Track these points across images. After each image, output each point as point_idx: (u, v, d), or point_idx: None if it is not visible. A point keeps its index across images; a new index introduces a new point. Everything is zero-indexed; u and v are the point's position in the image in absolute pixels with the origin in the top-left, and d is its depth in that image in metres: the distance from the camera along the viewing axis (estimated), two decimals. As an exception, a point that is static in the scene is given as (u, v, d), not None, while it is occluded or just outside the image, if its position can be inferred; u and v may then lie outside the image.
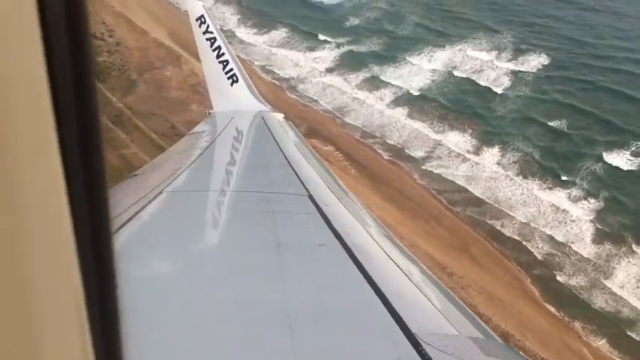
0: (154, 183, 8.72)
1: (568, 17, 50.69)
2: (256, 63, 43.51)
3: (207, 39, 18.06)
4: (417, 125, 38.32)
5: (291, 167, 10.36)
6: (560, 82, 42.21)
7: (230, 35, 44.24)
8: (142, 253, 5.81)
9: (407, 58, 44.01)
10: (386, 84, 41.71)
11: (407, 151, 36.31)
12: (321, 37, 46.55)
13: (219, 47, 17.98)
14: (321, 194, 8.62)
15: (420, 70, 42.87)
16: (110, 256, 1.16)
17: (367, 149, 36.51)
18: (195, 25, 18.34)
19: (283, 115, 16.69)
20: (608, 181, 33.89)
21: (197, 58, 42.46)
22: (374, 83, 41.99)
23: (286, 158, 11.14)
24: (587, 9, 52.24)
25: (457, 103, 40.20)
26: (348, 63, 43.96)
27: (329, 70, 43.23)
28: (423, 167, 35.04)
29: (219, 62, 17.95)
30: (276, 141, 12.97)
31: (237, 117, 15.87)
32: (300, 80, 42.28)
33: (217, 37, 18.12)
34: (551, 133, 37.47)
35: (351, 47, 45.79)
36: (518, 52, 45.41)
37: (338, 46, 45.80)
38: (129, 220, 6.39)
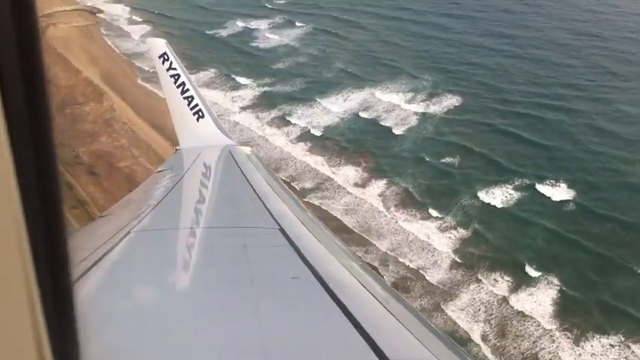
0: (121, 223, 8.65)
1: (491, 65, 52.98)
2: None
3: (170, 75, 18.04)
4: (314, 160, 40.34)
5: (261, 201, 10.35)
6: (462, 124, 44.08)
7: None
8: (112, 295, 5.77)
9: (320, 99, 46.44)
10: (294, 123, 44.03)
11: (295, 182, 38.18)
12: (245, 79, 49.51)
13: (183, 83, 17.95)
14: (292, 227, 8.60)
15: (329, 111, 45.17)
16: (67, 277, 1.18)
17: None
18: (158, 62, 18.31)
19: (250, 149, 16.70)
20: (478, 217, 35.21)
21: (120, 95, 46.61)
22: (283, 121, 44.36)
23: (255, 192, 11.12)
24: (513, 56, 54.56)
25: (357, 142, 42.20)
26: (264, 102, 46.54)
27: (244, 108, 45.79)
28: (305, 199, 36.77)
29: (184, 98, 17.87)
30: (244, 175, 12.92)
31: (204, 152, 15.75)
32: (214, 117, 44.85)
33: (181, 74, 18.07)
34: (437, 171, 39.10)
35: (271, 88, 48.50)
36: (432, 96, 47.62)
37: (259, 86, 48.59)
38: (97, 262, 6.34)
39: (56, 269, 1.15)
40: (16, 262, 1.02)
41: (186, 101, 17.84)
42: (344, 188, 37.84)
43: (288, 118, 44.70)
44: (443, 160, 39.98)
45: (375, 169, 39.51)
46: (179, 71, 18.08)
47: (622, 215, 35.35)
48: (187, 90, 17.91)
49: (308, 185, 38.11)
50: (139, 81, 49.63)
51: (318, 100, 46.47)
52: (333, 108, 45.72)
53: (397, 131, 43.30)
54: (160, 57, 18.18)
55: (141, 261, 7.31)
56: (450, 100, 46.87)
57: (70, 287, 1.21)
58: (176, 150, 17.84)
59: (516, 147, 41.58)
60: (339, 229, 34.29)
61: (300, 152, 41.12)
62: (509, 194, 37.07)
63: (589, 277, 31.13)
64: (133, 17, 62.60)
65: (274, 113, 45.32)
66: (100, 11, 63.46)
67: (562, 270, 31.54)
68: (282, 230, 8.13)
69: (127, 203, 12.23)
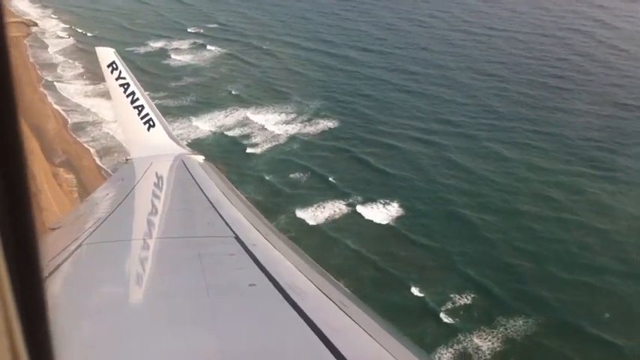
0: (72, 236, 8.51)
1: (383, 98, 54.68)
2: (55, 106, 49.10)
3: (120, 85, 17.77)
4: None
5: (215, 209, 10.22)
6: (323, 148, 45.72)
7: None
8: (63, 308, 5.47)
9: (193, 117, 48.59)
10: (162, 135, 46.15)
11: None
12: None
13: (133, 92, 17.70)
14: (247, 234, 8.57)
15: (196, 128, 47.32)
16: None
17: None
18: (106, 71, 18.02)
19: (204, 157, 16.46)
20: (289, 234, 36.55)
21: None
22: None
23: (209, 200, 10.99)
24: (409, 92, 56.23)
25: (215, 156, 44.04)
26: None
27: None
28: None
29: (134, 107, 17.60)
30: (197, 184, 12.79)
31: (155, 162, 15.49)
32: (90, 124, 47.40)
33: (130, 83, 17.82)
34: (272, 190, 40.62)
35: (158, 102, 50.86)
36: (308, 121, 49.49)
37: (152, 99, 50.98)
38: (48, 275, 6.18)
39: (28, 270, 1.12)
40: None
41: (136, 110, 17.66)
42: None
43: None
44: (284, 180, 41.51)
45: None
46: (128, 80, 17.93)
47: (432, 242, 36.37)
48: (137, 99, 17.77)
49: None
50: (40, 88, 52.60)
51: (191, 117, 48.57)
52: (204, 126, 47.75)
53: (256, 150, 45.07)
54: (108, 66, 17.93)
55: (93, 274, 7.13)
56: (323, 126, 48.63)
57: (42, 288, 1.19)
58: (127, 160, 17.54)
59: (362, 173, 42.95)
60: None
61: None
62: (328, 214, 38.34)
63: (366, 291, 32.13)
64: (61, 33, 66.07)
65: (148, 125, 47.54)
66: (35, 24, 67.10)
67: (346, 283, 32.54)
68: (237, 238, 8.11)
69: (77, 215, 11.92)
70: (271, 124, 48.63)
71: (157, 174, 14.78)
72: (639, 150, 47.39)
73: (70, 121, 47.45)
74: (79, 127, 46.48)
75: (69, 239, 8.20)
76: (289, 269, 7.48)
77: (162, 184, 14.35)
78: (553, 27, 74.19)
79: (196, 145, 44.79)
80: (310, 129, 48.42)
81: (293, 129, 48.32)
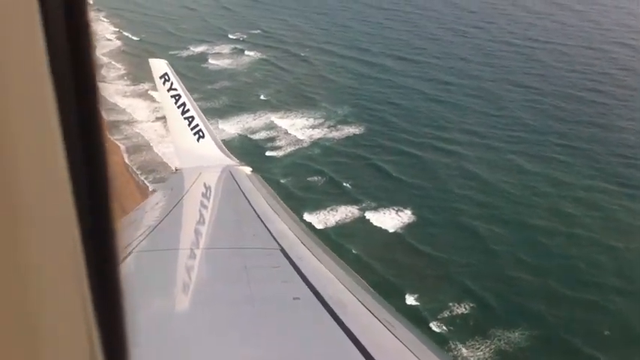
0: (123, 242, 8.40)
1: (410, 106, 54.90)
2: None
3: (171, 96, 18.07)
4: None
5: (262, 221, 10.29)
6: (343, 155, 46.47)
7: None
8: None
9: (221, 120, 50.35)
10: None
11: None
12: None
13: (184, 104, 17.99)
14: (293, 247, 8.65)
15: (222, 132, 48.94)
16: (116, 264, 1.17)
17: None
18: (159, 82, 18.40)
19: (251, 169, 16.69)
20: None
21: None
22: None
23: (256, 212, 11.07)
24: (438, 101, 56.24)
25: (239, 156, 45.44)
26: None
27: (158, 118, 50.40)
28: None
29: (185, 118, 17.87)
30: (245, 195, 12.91)
31: (204, 173, 15.70)
32: (124, 122, 50.01)
33: (182, 94, 18.12)
34: (282, 192, 41.46)
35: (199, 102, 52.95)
36: (332, 128, 50.36)
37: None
38: None
39: (105, 264, 1.15)
40: (68, 258, 1.01)
41: (186, 121, 17.93)
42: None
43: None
44: (299, 184, 42.42)
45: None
46: (180, 91, 18.19)
47: (437, 251, 36.47)
48: (188, 110, 18.03)
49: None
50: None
51: (219, 120, 50.27)
52: (231, 129, 49.34)
53: (277, 153, 46.25)
54: (160, 77, 18.28)
55: (141, 282, 7.19)
56: (347, 133, 49.34)
57: (120, 282, 1.21)
58: (176, 170, 17.90)
59: (378, 180, 43.33)
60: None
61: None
62: (339, 219, 38.96)
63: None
64: (109, 36, 69.44)
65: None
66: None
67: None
68: (283, 251, 8.16)
69: (127, 223, 11.96)
70: (296, 129, 49.72)
71: (205, 184, 14.99)
72: (670, 169, 45.83)
73: (106, 118, 50.00)
74: (113, 125, 48.87)
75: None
76: (334, 284, 7.51)
77: (210, 194, 14.56)
78: (599, 40, 72.32)
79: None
80: (334, 134, 49.23)
81: (317, 134, 49.24)
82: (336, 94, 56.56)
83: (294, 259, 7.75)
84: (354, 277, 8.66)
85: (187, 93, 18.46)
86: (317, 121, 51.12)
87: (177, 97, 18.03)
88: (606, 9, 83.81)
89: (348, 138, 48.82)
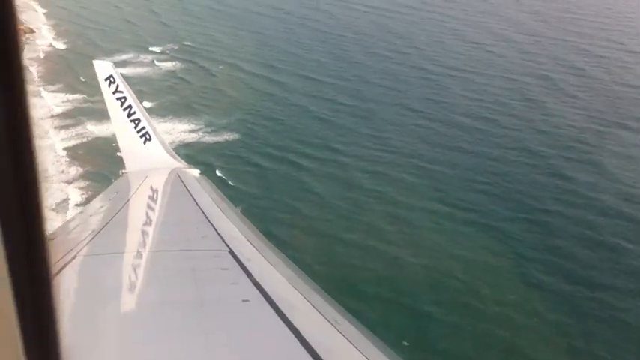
0: (67, 247, 8.54)
1: (290, 122, 57.42)
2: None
3: (117, 98, 17.97)
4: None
5: (210, 223, 10.26)
6: (199, 160, 49.17)
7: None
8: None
9: (94, 122, 53.72)
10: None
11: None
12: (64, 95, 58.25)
13: (129, 106, 17.90)
14: (241, 249, 8.62)
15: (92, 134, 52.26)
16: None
17: None
18: (104, 85, 18.26)
19: (199, 172, 16.58)
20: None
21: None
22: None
23: (204, 214, 11.01)
24: (315, 118, 58.51)
25: (91, 157, 48.67)
26: (67, 115, 54.58)
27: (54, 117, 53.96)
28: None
29: (131, 121, 17.79)
30: (192, 197, 12.83)
31: (151, 175, 15.59)
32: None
33: (128, 96, 18.02)
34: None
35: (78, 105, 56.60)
36: (209, 134, 53.22)
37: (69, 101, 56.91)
38: None
39: (35, 271, 1.08)
40: None
41: (132, 124, 17.86)
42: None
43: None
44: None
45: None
46: (126, 94, 18.12)
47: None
48: (134, 113, 17.97)
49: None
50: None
51: (91, 121, 53.68)
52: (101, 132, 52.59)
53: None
54: (105, 79, 18.22)
55: (86, 285, 7.14)
56: (215, 140, 52.23)
57: (50, 289, 1.14)
58: (122, 173, 17.79)
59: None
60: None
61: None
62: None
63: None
64: (53, 42, 73.67)
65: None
66: (33, 32, 74.99)
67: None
68: (231, 252, 8.12)
69: (72, 227, 11.78)
70: (175, 133, 52.63)
71: (151, 187, 14.93)
72: None
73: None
74: None
75: (63, 251, 8.22)
76: (283, 285, 7.56)
77: (157, 197, 14.47)
78: (520, 71, 73.56)
79: (85, 145, 49.65)
80: (206, 139, 52.08)
81: (189, 138, 52.10)
82: (227, 107, 59.24)
83: (243, 261, 7.77)
84: (303, 277, 8.78)
85: (133, 95, 18.41)
86: (194, 127, 54.08)
87: (122, 100, 17.97)
88: (554, 42, 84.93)
89: (209, 147, 51.41)
